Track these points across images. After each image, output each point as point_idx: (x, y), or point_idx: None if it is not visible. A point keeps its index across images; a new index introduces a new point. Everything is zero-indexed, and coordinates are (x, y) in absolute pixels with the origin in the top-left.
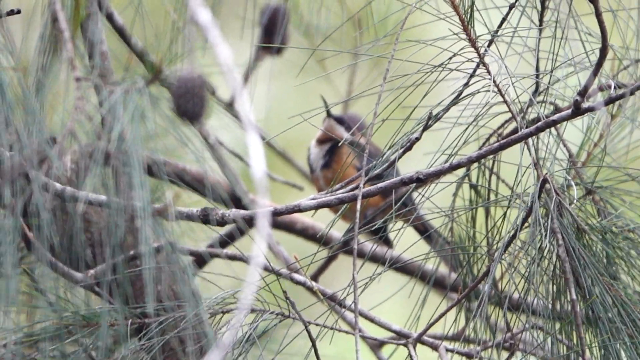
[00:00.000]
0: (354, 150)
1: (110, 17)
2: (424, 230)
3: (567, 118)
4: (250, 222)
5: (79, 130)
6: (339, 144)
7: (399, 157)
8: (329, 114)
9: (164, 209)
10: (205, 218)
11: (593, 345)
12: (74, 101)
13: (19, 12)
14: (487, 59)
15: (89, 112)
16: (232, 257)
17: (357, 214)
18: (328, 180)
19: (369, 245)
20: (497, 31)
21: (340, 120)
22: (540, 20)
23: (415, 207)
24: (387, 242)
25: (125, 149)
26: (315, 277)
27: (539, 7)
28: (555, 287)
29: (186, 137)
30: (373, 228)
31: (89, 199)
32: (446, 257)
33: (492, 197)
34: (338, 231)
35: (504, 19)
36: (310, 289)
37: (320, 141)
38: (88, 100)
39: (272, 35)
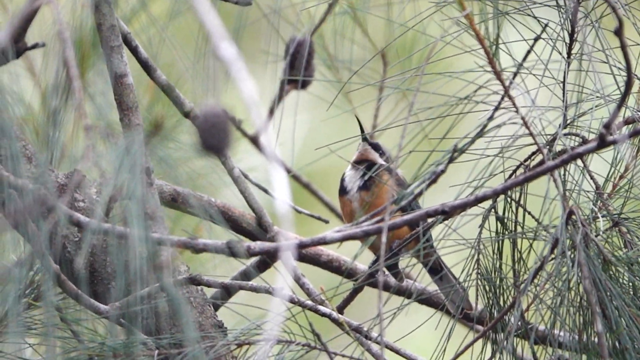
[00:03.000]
0: (391, 175)
1: (134, 51)
2: (439, 268)
3: (592, 150)
4: (275, 254)
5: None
6: (376, 168)
7: (425, 189)
8: (364, 139)
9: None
10: (230, 250)
11: None
12: (83, 150)
13: (43, 45)
14: (512, 92)
15: (96, 161)
16: (258, 290)
17: (382, 247)
18: (363, 202)
19: (393, 278)
20: (521, 63)
21: (375, 147)
22: (569, 53)
23: (432, 244)
24: (397, 276)
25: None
26: (341, 310)
27: (567, 40)
28: (582, 318)
29: (211, 170)
30: (385, 265)
31: (115, 231)
32: (458, 295)
33: (519, 229)
34: (364, 264)
35: (529, 52)
36: (335, 321)
37: (357, 163)
38: (96, 149)
39: (297, 69)
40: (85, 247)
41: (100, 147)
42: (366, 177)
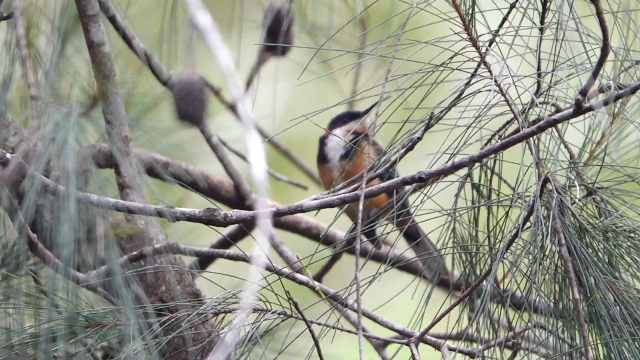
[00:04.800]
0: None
1: (112, 19)
2: (416, 234)
3: (569, 117)
4: (253, 222)
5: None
6: (356, 138)
7: (401, 157)
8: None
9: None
10: (208, 219)
11: (596, 343)
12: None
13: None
14: (488, 59)
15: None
16: (235, 258)
17: (360, 214)
18: (345, 173)
19: (371, 244)
20: (497, 31)
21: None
22: (542, 21)
23: (409, 211)
24: (374, 243)
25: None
26: (319, 277)
27: (540, 9)
28: (557, 285)
29: (189, 137)
30: (362, 231)
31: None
32: (435, 262)
33: (494, 196)
34: (342, 230)
35: (504, 19)
36: (312, 289)
37: (349, 133)
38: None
39: (276, 37)
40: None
41: (44, 117)
42: (347, 146)
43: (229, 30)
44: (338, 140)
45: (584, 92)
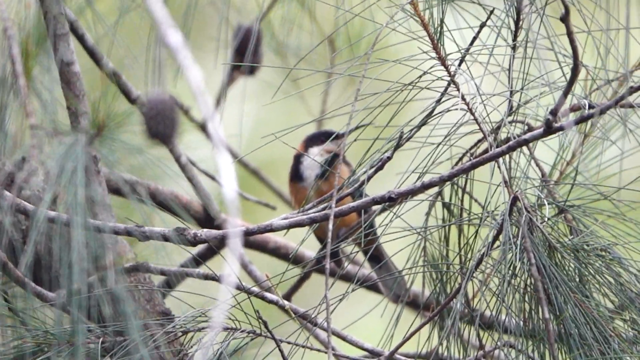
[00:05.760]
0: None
1: (81, 38)
2: (380, 256)
3: (539, 137)
4: (222, 241)
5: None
6: (332, 158)
7: (371, 176)
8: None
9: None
10: (177, 237)
11: None
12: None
13: None
14: (458, 78)
15: (42, 161)
16: (205, 277)
17: (329, 233)
18: (320, 192)
19: (342, 263)
20: (468, 49)
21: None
22: (514, 39)
23: (375, 231)
24: (338, 263)
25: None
26: (288, 297)
27: (512, 27)
28: (527, 304)
29: (157, 158)
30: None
31: (60, 219)
32: (397, 284)
33: (465, 215)
34: (311, 250)
35: (474, 38)
36: (282, 308)
37: (326, 152)
38: (41, 149)
39: (244, 56)
40: (32, 236)
41: (46, 146)
42: (323, 167)
43: (199, 51)
44: (314, 159)
45: (554, 112)
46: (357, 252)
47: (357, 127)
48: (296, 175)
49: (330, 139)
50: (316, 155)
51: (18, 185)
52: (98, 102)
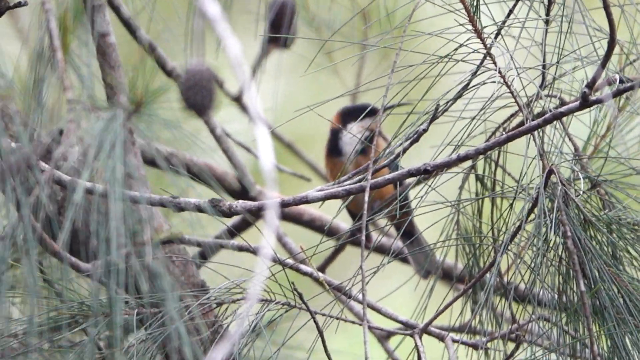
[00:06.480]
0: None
1: (117, 10)
2: (412, 231)
3: (575, 110)
4: (257, 213)
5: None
6: (372, 135)
7: (407, 149)
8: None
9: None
10: (213, 209)
11: (599, 335)
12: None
13: (26, 3)
14: (493, 51)
15: (79, 136)
16: (240, 248)
17: (365, 205)
18: (358, 167)
19: (375, 236)
20: (503, 22)
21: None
22: (547, 14)
23: (409, 205)
24: (367, 238)
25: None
26: (322, 269)
27: (546, 1)
28: (561, 278)
29: (192, 132)
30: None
31: (97, 190)
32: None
33: (498, 189)
34: (346, 223)
35: (510, 12)
36: (316, 280)
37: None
38: (78, 124)
39: (279, 29)
40: (70, 208)
41: (84, 121)
42: (363, 145)
43: (233, 24)
44: (355, 136)
45: (590, 85)
46: (390, 225)
47: (396, 105)
48: (335, 150)
49: (365, 112)
50: (356, 132)
51: (55, 158)
52: (136, 77)
